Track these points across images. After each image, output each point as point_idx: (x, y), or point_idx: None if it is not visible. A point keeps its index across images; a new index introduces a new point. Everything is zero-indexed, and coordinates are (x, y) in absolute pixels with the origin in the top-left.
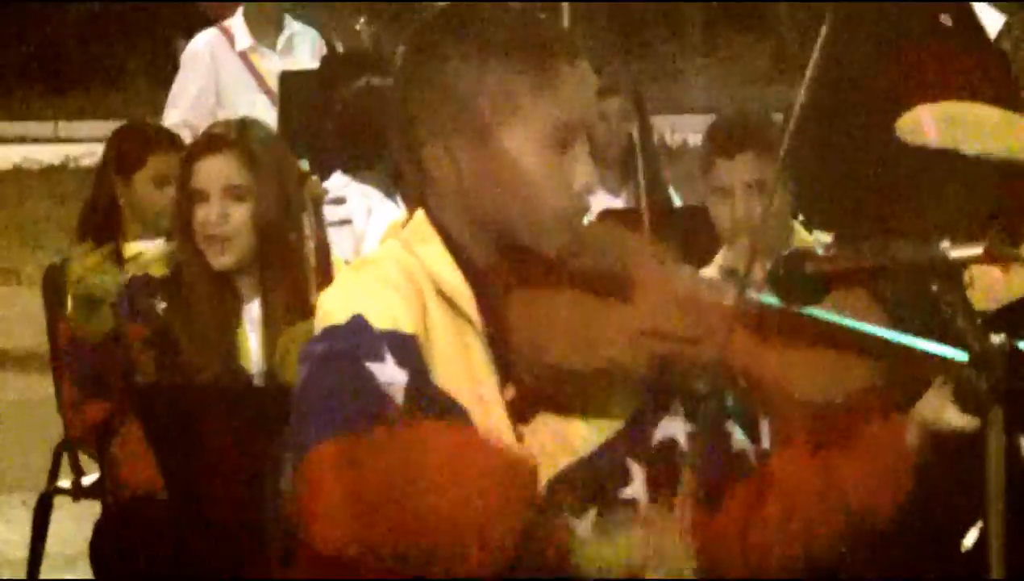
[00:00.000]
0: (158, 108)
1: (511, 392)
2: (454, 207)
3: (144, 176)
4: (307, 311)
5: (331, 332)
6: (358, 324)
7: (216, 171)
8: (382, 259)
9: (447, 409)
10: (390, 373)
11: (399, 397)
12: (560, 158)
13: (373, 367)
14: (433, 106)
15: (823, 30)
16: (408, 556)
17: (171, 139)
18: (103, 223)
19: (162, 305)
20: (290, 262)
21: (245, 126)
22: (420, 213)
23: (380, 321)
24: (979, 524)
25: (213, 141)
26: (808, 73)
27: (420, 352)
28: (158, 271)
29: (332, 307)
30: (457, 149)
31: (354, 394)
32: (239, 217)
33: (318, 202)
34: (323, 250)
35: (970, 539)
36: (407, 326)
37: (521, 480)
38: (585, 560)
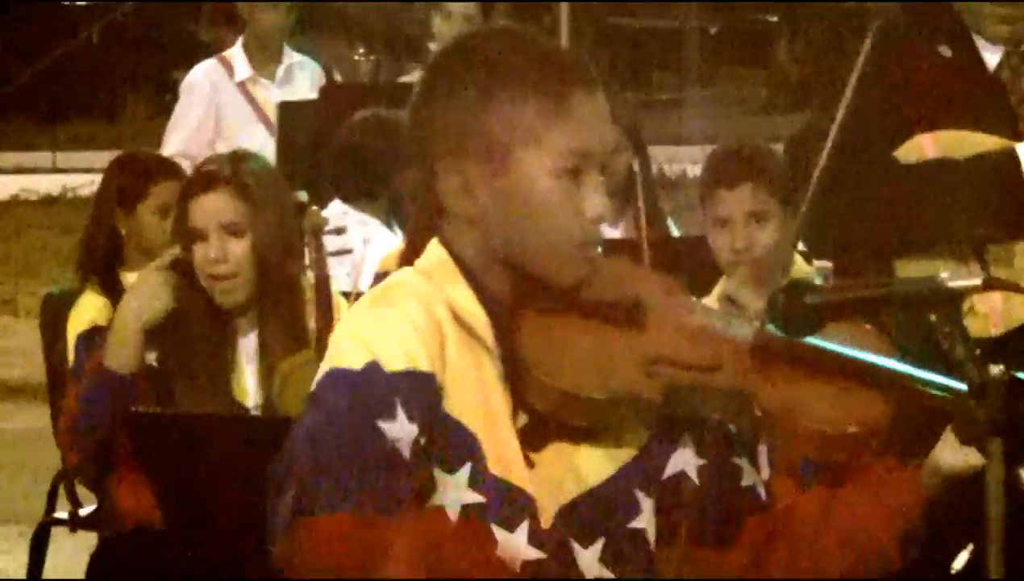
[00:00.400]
0: (157, 138)
1: (523, 419)
2: (469, 235)
3: (147, 206)
4: (303, 341)
5: (345, 378)
6: (372, 372)
7: (212, 209)
8: (399, 290)
9: (461, 450)
10: (399, 430)
11: (407, 452)
12: (574, 187)
13: (384, 426)
14: (448, 134)
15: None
16: None
17: (172, 168)
18: (104, 257)
19: (152, 355)
20: (288, 294)
21: (238, 160)
22: (435, 242)
23: (395, 362)
24: (969, 547)
25: (206, 178)
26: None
27: (435, 389)
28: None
29: (347, 346)
30: (471, 177)
31: (366, 463)
32: (239, 253)
33: (318, 232)
34: (323, 280)
35: (960, 562)
36: (423, 363)
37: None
38: None
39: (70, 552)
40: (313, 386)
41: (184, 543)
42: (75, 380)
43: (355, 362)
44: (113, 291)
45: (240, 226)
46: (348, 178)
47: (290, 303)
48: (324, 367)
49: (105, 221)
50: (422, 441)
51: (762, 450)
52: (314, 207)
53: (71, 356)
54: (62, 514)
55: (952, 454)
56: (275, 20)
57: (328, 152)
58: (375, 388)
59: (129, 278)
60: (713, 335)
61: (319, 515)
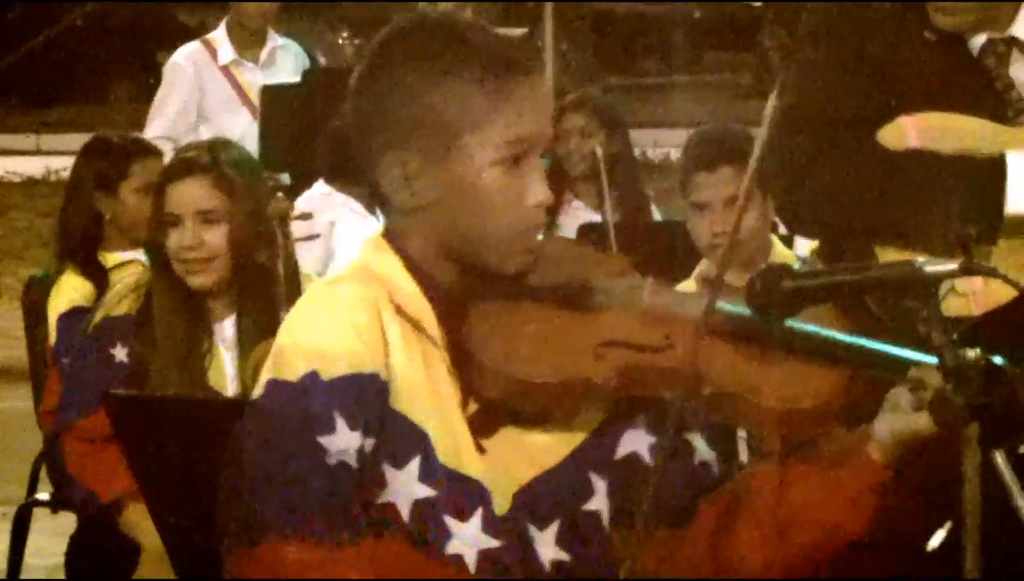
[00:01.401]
0: (141, 121)
1: (473, 407)
2: (412, 226)
3: (129, 186)
4: (278, 328)
5: (282, 389)
6: (310, 384)
7: (189, 195)
8: (338, 291)
9: (410, 445)
10: (341, 441)
11: (353, 460)
12: (515, 173)
13: (324, 441)
14: (388, 126)
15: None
16: None
17: (148, 147)
18: (83, 240)
19: (122, 352)
20: (263, 281)
21: (218, 148)
22: (378, 232)
23: (335, 367)
24: (946, 526)
25: (185, 165)
26: (778, 82)
27: (380, 388)
28: (123, 308)
29: (287, 351)
30: (412, 168)
31: (311, 484)
32: (214, 241)
33: (284, 218)
34: (291, 266)
35: (936, 540)
36: (365, 364)
37: None
38: None
39: (51, 533)
40: (256, 393)
41: (164, 524)
42: (56, 361)
43: (293, 373)
44: (94, 272)
45: (216, 214)
46: (334, 163)
47: (265, 290)
48: (265, 374)
49: (83, 204)
50: (367, 445)
51: (741, 435)
52: (279, 193)
53: (52, 337)
54: (44, 495)
55: (883, 424)
56: (261, 4)
57: (311, 136)
58: (313, 401)
59: (110, 259)
60: (663, 314)
61: (268, 540)
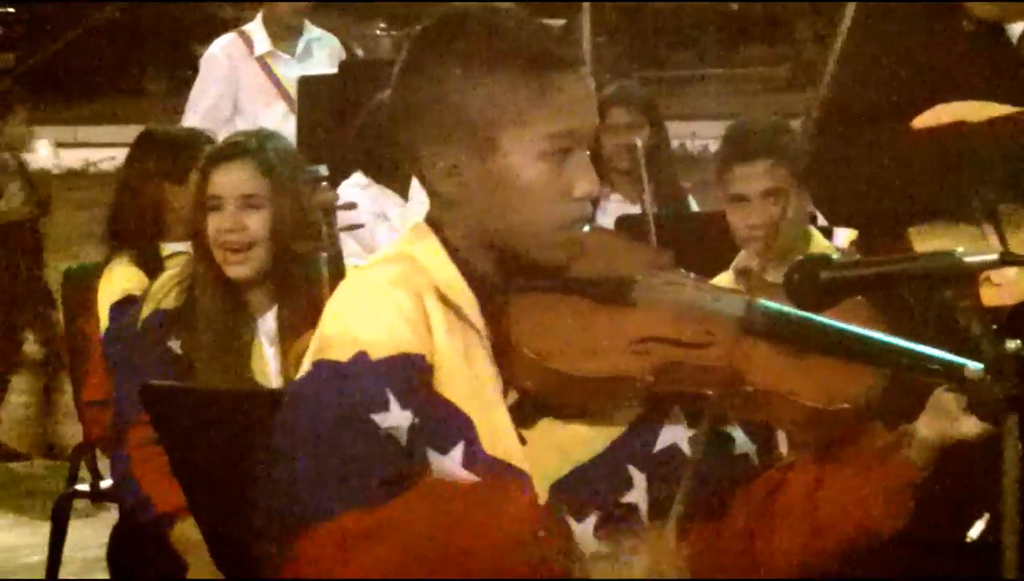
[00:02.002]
0: (177, 114)
1: (513, 397)
2: (456, 216)
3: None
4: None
5: (333, 370)
6: (360, 363)
7: (233, 178)
8: (382, 274)
9: (453, 429)
10: (394, 419)
11: (404, 439)
12: (560, 166)
13: (378, 418)
14: (433, 119)
15: (842, 29)
16: None
17: (207, 137)
18: (141, 231)
19: (176, 344)
20: (305, 273)
21: (264, 136)
22: (421, 222)
23: (383, 348)
24: (985, 516)
25: (231, 148)
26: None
27: (426, 370)
28: (171, 301)
29: (333, 334)
30: (458, 161)
31: (368, 461)
32: (255, 226)
33: (328, 209)
34: (336, 258)
35: (975, 531)
36: (411, 345)
37: (526, 514)
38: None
39: (92, 524)
40: (301, 377)
41: (202, 517)
42: (106, 350)
43: (342, 354)
44: (149, 262)
45: (259, 200)
46: (371, 155)
47: (307, 282)
48: (310, 358)
49: (147, 194)
50: (417, 425)
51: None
52: (324, 183)
53: (103, 325)
54: (84, 486)
55: (934, 424)
56: (292, 3)
57: (349, 128)
58: (364, 380)
59: (167, 249)
60: (703, 311)
61: (329, 517)
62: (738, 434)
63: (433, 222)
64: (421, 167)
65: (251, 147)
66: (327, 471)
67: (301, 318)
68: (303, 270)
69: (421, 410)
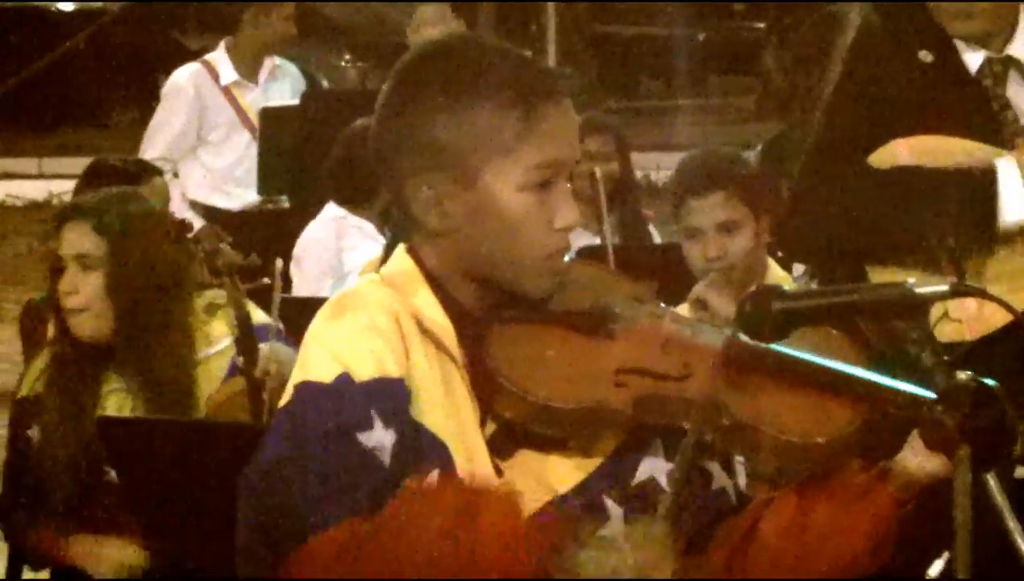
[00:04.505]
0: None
1: (491, 428)
2: (437, 246)
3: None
4: (188, 384)
5: (317, 392)
6: (343, 385)
7: (71, 239)
8: (362, 299)
9: (432, 455)
10: (377, 438)
11: (387, 459)
12: (542, 196)
13: (362, 437)
14: (416, 149)
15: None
16: None
17: (151, 168)
18: None
19: (35, 431)
20: (156, 334)
21: (116, 198)
22: (401, 249)
23: (365, 370)
24: (944, 555)
25: (71, 208)
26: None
27: (405, 394)
28: (41, 386)
29: (315, 357)
30: (441, 192)
31: (353, 479)
32: (89, 288)
33: (232, 271)
34: (242, 318)
35: (935, 570)
36: (393, 369)
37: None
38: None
39: None
40: (285, 399)
41: (157, 545)
42: None
43: (325, 375)
44: None
45: (92, 260)
46: (343, 185)
47: (166, 341)
48: (294, 380)
49: None
50: (399, 447)
51: (739, 458)
52: (223, 245)
53: None
54: None
55: (915, 460)
56: (285, 28)
57: (311, 158)
58: (349, 400)
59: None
60: (683, 344)
61: (318, 531)
62: (716, 469)
63: (414, 251)
64: (403, 197)
65: (89, 205)
66: (313, 488)
67: (151, 380)
68: (153, 331)
69: (402, 432)
